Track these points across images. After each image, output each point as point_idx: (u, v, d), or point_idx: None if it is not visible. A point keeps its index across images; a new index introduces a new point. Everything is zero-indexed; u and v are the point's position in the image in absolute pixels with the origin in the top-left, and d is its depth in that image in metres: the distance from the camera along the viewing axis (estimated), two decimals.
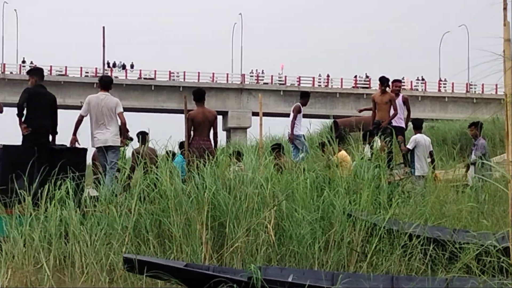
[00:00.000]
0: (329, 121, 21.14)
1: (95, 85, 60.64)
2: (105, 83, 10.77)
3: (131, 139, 11.82)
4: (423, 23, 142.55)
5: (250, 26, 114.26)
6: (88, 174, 10.33)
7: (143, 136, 12.27)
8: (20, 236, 6.88)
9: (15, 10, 69.51)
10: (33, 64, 62.98)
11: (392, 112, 13.05)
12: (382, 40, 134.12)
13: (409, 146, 12.75)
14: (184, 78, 63.57)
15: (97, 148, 10.48)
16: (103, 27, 21.51)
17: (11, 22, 70.69)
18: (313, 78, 64.95)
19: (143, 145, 11.78)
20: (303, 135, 14.20)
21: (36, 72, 10.27)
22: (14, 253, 6.69)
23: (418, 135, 13.00)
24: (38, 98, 9.85)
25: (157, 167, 7.82)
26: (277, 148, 11.62)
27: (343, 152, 10.87)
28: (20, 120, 9.72)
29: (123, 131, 10.47)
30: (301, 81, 64.38)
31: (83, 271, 6.66)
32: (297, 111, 13.99)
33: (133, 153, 11.30)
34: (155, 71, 64.10)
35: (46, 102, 9.97)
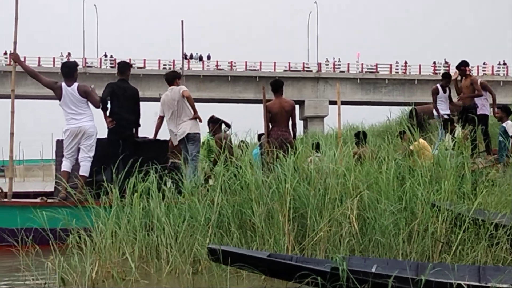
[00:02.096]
0: (407, 109, 20.78)
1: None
2: (167, 78, 10.88)
3: (229, 125, 11.98)
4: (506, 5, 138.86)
5: (325, 14, 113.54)
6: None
7: (217, 123, 12.38)
8: (106, 228, 7.04)
9: (95, 5, 71.08)
10: (113, 58, 64.37)
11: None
12: (462, 24, 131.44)
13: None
14: (260, 68, 63.70)
15: (179, 141, 10.59)
16: (182, 21, 21.70)
17: (91, 17, 72.22)
18: (390, 65, 64.11)
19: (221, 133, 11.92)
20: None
21: (119, 66, 10.48)
22: (101, 244, 6.84)
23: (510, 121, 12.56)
24: (121, 92, 10.03)
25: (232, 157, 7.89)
26: (357, 137, 11.53)
27: (422, 141, 10.70)
28: (104, 114, 9.93)
29: (191, 105, 10.50)
30: (378, 68, 63.61)
31: (168, 262, 6.77)
32: (435, 93, 13.47)
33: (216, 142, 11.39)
34: (231, 62, 64.46)
35: (129, 95, 10.15)
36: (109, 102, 9.98)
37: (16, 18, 9.87)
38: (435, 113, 13.40)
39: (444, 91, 13.44)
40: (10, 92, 9.98)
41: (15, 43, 9.88)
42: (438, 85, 13.61)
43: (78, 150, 9.69)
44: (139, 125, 10.36)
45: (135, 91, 10.33)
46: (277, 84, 11.25)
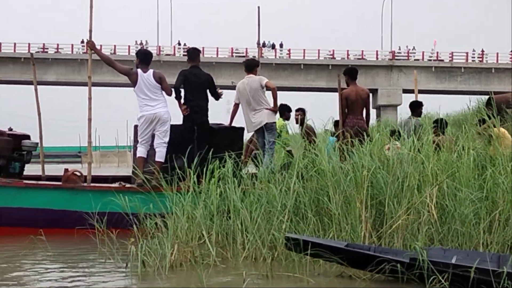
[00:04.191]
0: (484, 98, 20.32)
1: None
2: (246, 66, 10.89)
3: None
4: None
5: (400, 1, 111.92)
6: None
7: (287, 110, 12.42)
8: (182, 213, 7.13)
9: None
10: (186, 46, 64.97)
11: None
12: None
13: None
14: (333, 56, 63.28)
15: (256, 130, 10.61)
16: (258, 7, 21.62)
17: (165, 5, 73.22)
18: (467, 53, 62.73)
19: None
20: None
21: (188, 53, 10.55)
22: (178, 229, 6.93)
23: None
24: (194, 78, 10.11)
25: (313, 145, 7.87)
26: (436, 125, 11.33)
27: (503, 129, 10.43)
28: (179, 102, 10.03)
29: (274, 97, 10.51)
30: (454, 57, 62.36)
31: (245, 247, 6.81)
32: None
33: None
34: (304, 50, 64.21)
35: (202, 82, 10.23)
36: (182, 90, 10.07)
37: (91, 7, 10.02)
38: None
39: None
40: (87, 79, 10.17)
41: (90, 31, 10.03)
42: None
43: (153, 136, 9.83)
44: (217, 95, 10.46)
45: (208, 76, 10.39)
46: (352, 72, 11.16)
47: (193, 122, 9.98)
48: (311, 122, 11.54)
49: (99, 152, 52.93)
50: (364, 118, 10.75)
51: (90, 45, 9.97)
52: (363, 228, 6.58)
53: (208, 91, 10.30)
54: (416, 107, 12.15)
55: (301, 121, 12.54)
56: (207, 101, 10.29)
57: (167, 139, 9.78)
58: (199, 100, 10.11)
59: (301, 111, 12.80)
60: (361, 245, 5.98)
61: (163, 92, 9.88)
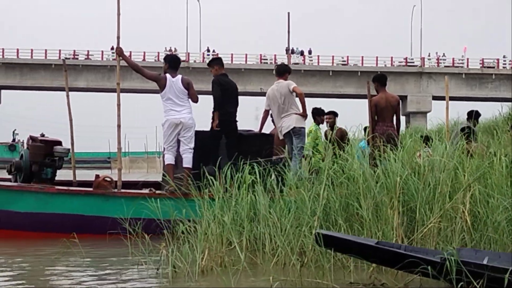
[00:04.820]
0: None
1: (273, 71, 61.80)
2: (277, 71, 10.93)
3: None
4: None
5: (430, 8, 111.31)
6: None
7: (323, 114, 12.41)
8: (212, 218, 7.16)
9: (198, 0, 72.20)
10: (215, 52, 65.26)
11: None
12: None
13: None
14: (362, 63, 63.13)
15: (284, 135, 10.63)
16: (288, 13, 21.67)
17: (194, 13, 73.69)
18: (497, 60, 62.22)
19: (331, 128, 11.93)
20: None
21: (217, 61, 10.60)
22: (208, 234, 6.96)
23: None
24: (226, 87, 10.19)
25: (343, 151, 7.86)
26: (467, 132, 11.25)
27: None
28: (218, 113, 10.06)
29: (301, 102, 10.52)
30: (484, 63, 61.85)
31: (274, 253, 6.81)
32: None
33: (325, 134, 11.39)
34: (333, 56, 64.17)
35: (232, 90, 10.30)
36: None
37: (118, 14, 10.08)
38: None
39: None
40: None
41: (118, 37, 10.09)
42: None
43: (178, 142, 9.87)
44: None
45: (236, 84, 10.55)
46: (381, 78, 11.13)
47: (223, 129, 10.02)
48: (344, 126, 11.51)
49: (128, 158, 53.29)
50: (395, 125, 10.71)
51: (119, 51, 10.04)
52: (394, 234, 6.56)
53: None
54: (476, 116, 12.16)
55: (331, 124, 12.51)
56: (237, 108, 10.35)
57: (192, 145, 9.84)
58: (229, 107, 10.16)
59: (332, 114, 12.74)
60: (391, 243, 5.95)
61: (189, 99, 9.94)
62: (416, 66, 62.30)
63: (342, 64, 63.06)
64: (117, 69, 10.22)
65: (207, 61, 10.42)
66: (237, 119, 10.35)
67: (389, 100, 10.77)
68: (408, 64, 62.91)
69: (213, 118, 10.08)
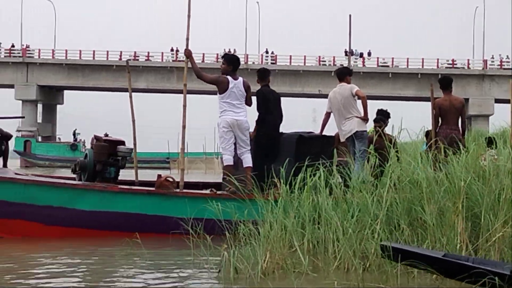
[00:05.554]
0: None
1: (332, 73, 61.79)
2: (338, 74, 10.89)
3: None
4: None
5: (492, 9, 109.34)
6: None
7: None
8: (275, 220, 7.16)
9: (257, 2, 72.36)
10: (273, 54, 65.33)
11: None
12: None
13: None
14: (423, 65, 62.41)
15: (346, 138, 10.59)
16: (350, 15, 21.61)
17: (254, 13, 73.89)
18: None
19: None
20: None
21: (259, 73, 10.79)
22: (270, 236, 6.96)
23: None
24: (270, 97, 10.30)
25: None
26: None
27: None
28: (260, 125, 10.38)
29: (363, 106, 10.46)
30: None
31: (336, 256, 6.78)
32: None
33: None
34: (393, 58, 63.61)
35: (276, 99, 10.39)
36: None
37: (189, 16, 10.16)
38: None
39: None
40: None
41: (187, 39, 10.17)
42: None
43: (235, 144, 9.92)
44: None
45: (278, 94, 10.74)
46: (446, 80, 11.00)
47: (268, 138, 10.14)
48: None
49: (187, 159, 53.63)
50: (459, 128, 10.57)
51: (187, 53, 10.07)
52: (459, 240, 6.46)
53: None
54: None
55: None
56: (280, 117, 10.59)
57: (249, 147, 9.91)
58: (274, 117, 10.30)
59: (381, 122, 12.46)
60: (459, 255, 5.86)
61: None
62: (478, 68, 61.29)
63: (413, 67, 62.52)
64: (185, 70, 10.26)
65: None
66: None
67: (452, 103, 10.65)
68: (470, 66, 61.94)
69: (255, 128, 10.37)
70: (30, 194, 9.57)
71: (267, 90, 10.46)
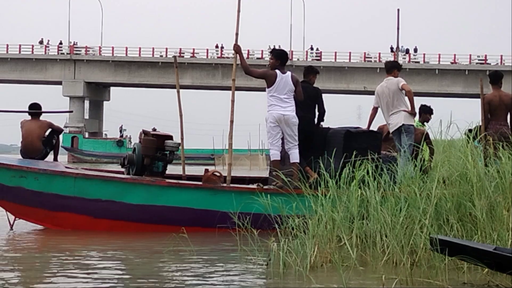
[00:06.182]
0: None
1: (378, 70, 61.42)
2: (386, 67, 10.86)
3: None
4: None
5: None
6: None
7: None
8: (324, 215, 7.17)
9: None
10: (318, 51, 65.16)
11: None
12: None
13: None
14: (470, 61, 61.65)
15: (392, 132, 10.56)
16: (398, 9, 21.39)
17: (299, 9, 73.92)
18: None
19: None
20: None
21: (309, 72, 10.78)
22: (319, 230, 6.97)
23: None
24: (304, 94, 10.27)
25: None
26: None
27: None
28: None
29: (410, 100, 10.40)
30: None
31: (384, 251, 6.75)
32: None
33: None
34: (439, 54, 62.94)
35: (310, 96, 10.41)
36: None
37: (239, 11, 10.17)
38: None
39: None
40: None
41: (236, 34, 10.15)
42: None
43: (282, 138, 9.92)
44: (322, 120, 10.80)
45: (315, 92, 10.63)
46: (496, 76, 10.86)
47: (304, 134, 10.13)
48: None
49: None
50: (509, 124, 10.43)
51: (236, 48, 10.08)
52: (510, 235, 6.38)
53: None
54: None
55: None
56: (315, 114, 10.56)
57: (296, 142, 9.88)
58: (307, 113, 10.30)
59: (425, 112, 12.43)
60: (510, 249, 5.79)
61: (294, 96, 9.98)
62: None
63: (451, 63, 61.87)
64: (234, 66, 10.28)
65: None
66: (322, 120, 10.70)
67: (502, 99, 10.52)
68: None
69: None
70: (80, 187, 9.71)
71: (302, 86, 10.38)
